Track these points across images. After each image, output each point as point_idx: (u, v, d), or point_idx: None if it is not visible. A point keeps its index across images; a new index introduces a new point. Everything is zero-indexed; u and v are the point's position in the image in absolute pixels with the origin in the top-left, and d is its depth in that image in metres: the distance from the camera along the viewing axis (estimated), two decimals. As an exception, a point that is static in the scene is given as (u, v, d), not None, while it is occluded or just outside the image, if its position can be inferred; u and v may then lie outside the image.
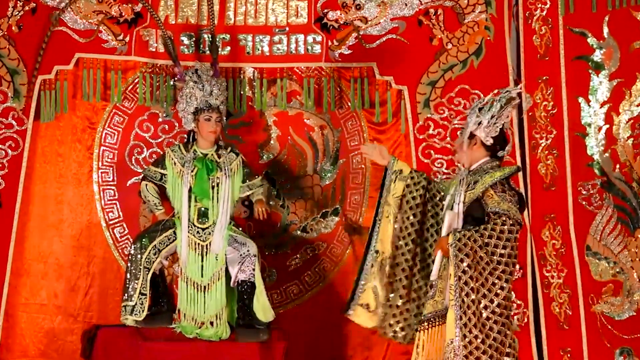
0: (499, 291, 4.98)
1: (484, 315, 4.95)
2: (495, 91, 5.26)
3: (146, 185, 6.20)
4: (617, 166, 6.34)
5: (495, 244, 4.97)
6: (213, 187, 6.10)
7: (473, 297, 4.94)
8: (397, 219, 5.38)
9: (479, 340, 4.93)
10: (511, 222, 4.98)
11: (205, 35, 6.64)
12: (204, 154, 6.16)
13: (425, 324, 5.15)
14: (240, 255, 6.04)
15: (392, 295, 5.35)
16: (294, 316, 6.75)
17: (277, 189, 6.81)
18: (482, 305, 4.96)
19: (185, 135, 6.61)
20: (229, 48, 6.73)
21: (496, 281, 4.98)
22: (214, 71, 6.28)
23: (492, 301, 4.97)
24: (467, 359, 4.93)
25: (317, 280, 6.80)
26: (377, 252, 5.41)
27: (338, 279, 6.79)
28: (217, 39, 6.62)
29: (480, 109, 5.21)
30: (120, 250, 6.66)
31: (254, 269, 6.03)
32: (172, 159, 6.17)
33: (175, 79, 6.47)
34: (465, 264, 4.94)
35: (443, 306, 5.11)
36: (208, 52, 6.58)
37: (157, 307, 6.16)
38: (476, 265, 4.96)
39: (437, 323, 5.12)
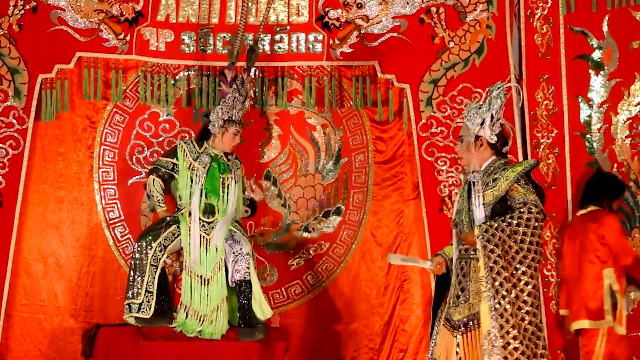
0: (529, 279, 4.95)
1: (516, 304, 4.92)
2: (486, 90, 5.25)
3: (153, 180, 6.17)
4: (615, 166, 6.34)
5: (524, 232, 4.95)
6: (222, 186, 6.10)
7: (506, 286, 4.91)
8: None
9: (515, 330, 4.90)
10: (537, 211, 4.98)
11: (248, 36, 6.60)
12: (215, 154, 6.16)
13: (463, 328, 5.09)
14: (234, 253, 6.05)
15: None
16: (295, 316, 6.74)
17: (278, 188, 6.80)
18: (513, 295, 4.92)
19: (187, 135, 6.63)
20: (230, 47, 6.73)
21: (526, 269, 4.95)
22: (248, 78, 6.30)
23: (522, 291, 4.94)
24: (505, 349, 4.89)
25: (319, 280, 6.78)
26: (434, 359, 5.25)
27: (340, 279, 6.78)
28: (216, 39, 6.62)
29: (479, 109, 5.19)
30: (121, 250, 6.63)
31: (248, 268, 6.03)
32: (185, 150, 6.15)
33: (224, 76, 6.36)
34: (495, 255, 4.92)
35: (479, 308, 5.05)
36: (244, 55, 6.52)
37: (158, 306, 6.12)
38: (505, 255, 4.94)
39: (475, 326, 5.07)
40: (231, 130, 6.11)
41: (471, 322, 5.07)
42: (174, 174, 6.13)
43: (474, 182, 5.15)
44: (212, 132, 6.14)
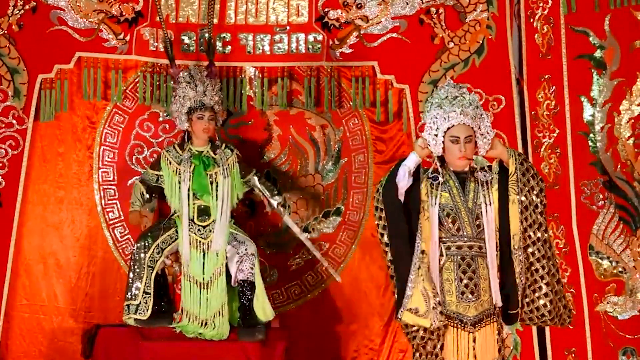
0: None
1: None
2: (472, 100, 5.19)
3: (136, 184, 6.28)
4: (619, 166, 6.34)
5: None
6: (211, 183, 6.10)
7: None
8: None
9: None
10: None
11: (206, 35, 6.64)
12: (199, 151, 6.16)
13: (471, 327, 5.06)
14: (239, 254, 6.05)
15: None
16: (295, 316, 6.73)
17: (278, 188, 6.79)
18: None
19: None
20: (229, 47, 6.73)
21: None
22: (208, 72, 6.28)
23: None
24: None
25: (319, 280, 6.77)
26: (422, 252, 5.07)
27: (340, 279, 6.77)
28: (216, 39, 6.62)
29: (477, 108, 5.17)
30: (120, 250, 6.64)
31: (252, 268, 6.03)
32: (167, 159, 6.17)
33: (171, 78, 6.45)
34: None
35: (490, 305, 5.07)
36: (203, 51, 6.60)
37: (158, 307, 6.14)
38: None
39: (485, 323, 5.08)
40: (195, 117, 6.10)
41: (481, 321, 5.07)
42: (160, 186, 6.16)
43: (483, 181, 5.14)
44: (186, 130, 6.15)
